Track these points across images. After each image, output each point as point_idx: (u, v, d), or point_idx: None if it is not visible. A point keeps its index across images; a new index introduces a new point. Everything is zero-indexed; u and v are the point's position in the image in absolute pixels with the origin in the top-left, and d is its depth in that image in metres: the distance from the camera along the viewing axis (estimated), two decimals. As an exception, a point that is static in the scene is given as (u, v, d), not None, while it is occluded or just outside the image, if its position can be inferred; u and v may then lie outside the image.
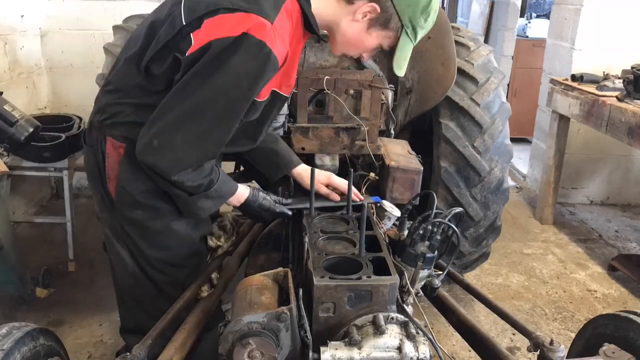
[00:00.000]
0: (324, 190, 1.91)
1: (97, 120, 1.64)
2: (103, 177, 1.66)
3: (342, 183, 1.90)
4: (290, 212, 1.83)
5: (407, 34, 1.58)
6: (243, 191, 1.75)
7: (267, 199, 1.79)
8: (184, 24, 1.46)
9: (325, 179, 1.92)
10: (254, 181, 2.07)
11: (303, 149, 2.23)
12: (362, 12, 1.54)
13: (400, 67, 1.66)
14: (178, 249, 1.74)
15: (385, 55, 2.89)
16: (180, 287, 1.74)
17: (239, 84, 1.44)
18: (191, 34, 1.45)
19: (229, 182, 1.70)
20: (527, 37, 6.37)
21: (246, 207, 1.77)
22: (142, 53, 1.54)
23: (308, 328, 1.32)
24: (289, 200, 1.87)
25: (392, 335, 1.32)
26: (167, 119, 1.45)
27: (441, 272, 1.70)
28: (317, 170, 1.86)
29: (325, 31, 1.69)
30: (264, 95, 1.61)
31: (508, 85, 6.13)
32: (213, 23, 1.42)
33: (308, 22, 1.59)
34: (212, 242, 1.95)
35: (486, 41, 6.72)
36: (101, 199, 1.72)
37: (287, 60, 1.58)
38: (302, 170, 1.95)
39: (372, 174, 2.19)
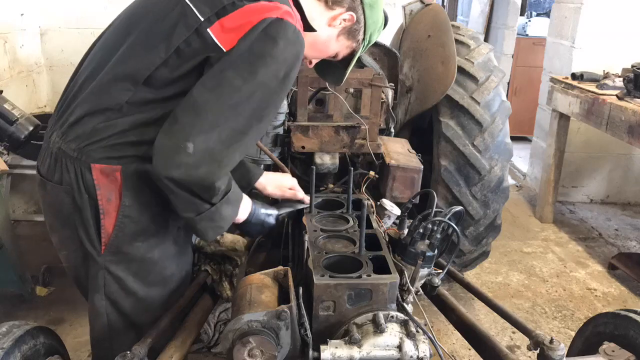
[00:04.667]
0: (289, 193, 1.84)
1: (72, 149, 1.37)
2: (86, 220, 1.41)
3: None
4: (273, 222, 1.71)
5: (363, 47, 1.65)
6: (247, 200, 1.59)
7: (269, 208, 1.69)
8: (202, 20, 1.32)
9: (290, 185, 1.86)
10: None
11: (303, 147, 2.23)
12: (341, 19, 1.55)
13: (346, 76, 1.73)
14: (175, 277, 1.60)
15: (386, 54, 2.90)
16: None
17: (277, 74, 1.33)
18: (208, 29, 1.32)
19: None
20: (527, 35, 6.36)
21: (252, 219, 1.61)
22: (140, 66, 1.35)
23: (308, 326, 1.33)
24: (275, 210, 1.73)
25: (392, 333, 1.32)
26: (203, 118, 1.27)
27: (441, 271, 1.70)
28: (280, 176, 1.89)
29: None
30: None
31: (508, 83, 6.12)
32: (241, 13, 1.32)
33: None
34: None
35: (486, 40, 6.71)
36: (77, 250, 1.48)
37: None
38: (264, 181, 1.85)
39: (372, 173, 2.19)
